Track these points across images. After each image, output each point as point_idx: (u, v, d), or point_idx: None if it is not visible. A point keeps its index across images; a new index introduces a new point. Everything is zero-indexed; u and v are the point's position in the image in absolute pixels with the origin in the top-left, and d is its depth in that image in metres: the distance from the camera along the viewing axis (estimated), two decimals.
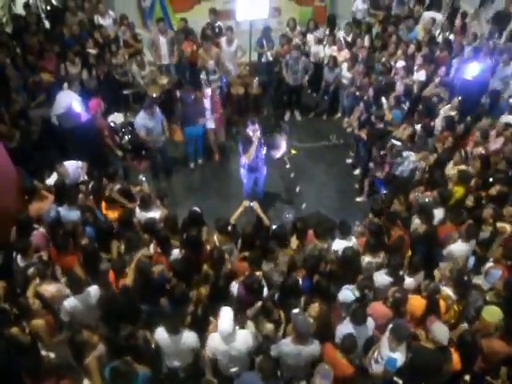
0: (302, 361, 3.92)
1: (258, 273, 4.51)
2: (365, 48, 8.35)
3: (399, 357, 3.79)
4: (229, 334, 3.84)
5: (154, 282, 4.36)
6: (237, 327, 3.94)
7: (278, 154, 6.64)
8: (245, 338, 3.95)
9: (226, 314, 3.89)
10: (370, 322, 4.13)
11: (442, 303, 4.34)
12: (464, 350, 3.94)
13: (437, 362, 3.80)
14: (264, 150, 6.36)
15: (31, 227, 4.93)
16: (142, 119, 6.58)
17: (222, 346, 3.89)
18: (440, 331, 3.86)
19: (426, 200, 5.49)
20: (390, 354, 3.81)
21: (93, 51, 7.76)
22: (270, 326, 4.16)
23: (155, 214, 5.27)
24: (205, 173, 7.65)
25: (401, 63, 7.74)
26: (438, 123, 6.77)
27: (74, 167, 5.84)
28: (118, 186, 5.61)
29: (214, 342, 3.94)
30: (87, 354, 3.84)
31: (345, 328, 4.01)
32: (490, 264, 4.85)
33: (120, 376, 3.58)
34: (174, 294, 4.23)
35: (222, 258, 4.59)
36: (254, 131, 6.10)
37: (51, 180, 5.74)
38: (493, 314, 4.12)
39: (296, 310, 3.99)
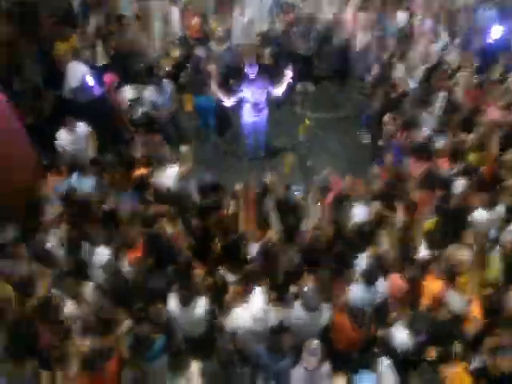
0: (313, 327, 3.97)
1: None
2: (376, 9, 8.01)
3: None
4: (260, 318, 3.89)
5: (164, 251, 4.39)
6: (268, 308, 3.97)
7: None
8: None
9: (259, 297, 3.93)
10: (382, 284, 4.19)
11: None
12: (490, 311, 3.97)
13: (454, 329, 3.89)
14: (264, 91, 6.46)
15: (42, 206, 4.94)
16: (150, 95, 6.64)
17: (249, 325, 3.92)
18: (455, 301, 3.92)
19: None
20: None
21: (102, 24, 7.70)
22: None
23: (172, 171, 5.28)
24: (218, 144, 7.64)
25: (428, 23, 7.44)
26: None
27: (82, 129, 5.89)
28: None
29: (241, 319, 3.93)
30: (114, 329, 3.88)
31: (355, 288, 4.13)
32: None
33: (139, 342, 3.70)
34: (177, 262, 4.23)
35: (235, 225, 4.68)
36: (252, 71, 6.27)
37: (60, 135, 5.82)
38: None
39: (306, 288, 3.99)
